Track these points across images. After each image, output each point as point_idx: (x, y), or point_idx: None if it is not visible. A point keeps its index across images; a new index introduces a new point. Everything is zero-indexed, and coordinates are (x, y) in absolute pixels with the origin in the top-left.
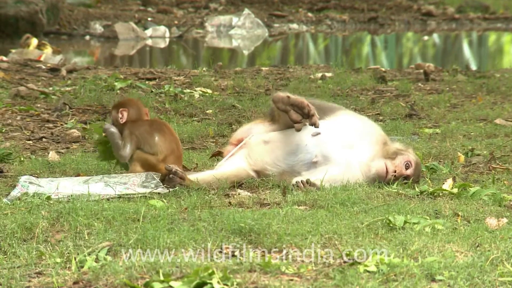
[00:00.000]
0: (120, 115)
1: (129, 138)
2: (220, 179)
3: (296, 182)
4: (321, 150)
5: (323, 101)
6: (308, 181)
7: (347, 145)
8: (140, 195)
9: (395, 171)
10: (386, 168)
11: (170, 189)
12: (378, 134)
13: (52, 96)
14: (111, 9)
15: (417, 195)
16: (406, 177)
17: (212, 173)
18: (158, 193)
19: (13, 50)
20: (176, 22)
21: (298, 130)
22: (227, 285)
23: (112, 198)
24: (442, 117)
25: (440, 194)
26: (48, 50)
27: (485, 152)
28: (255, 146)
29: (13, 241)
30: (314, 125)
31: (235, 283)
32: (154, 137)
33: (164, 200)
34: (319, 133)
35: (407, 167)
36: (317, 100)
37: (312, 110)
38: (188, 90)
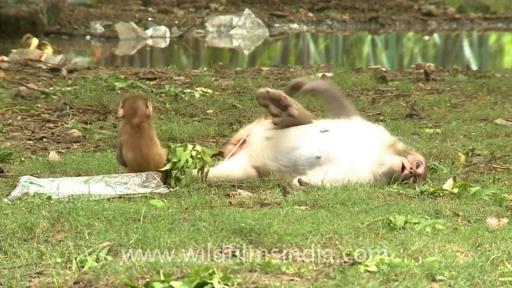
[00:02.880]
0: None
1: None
2: (220, 178)
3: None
4: (326, 146)
5: (348, 101)
6: (299, 181)
7: (353, 145)
8: (140, 195)
9: (411, 169)
10: (403, 164)
11: (171, 189)
12: (386, 137)
13: (53, 96)
14: (112, 9)
15: (418, 195)
16: (417, 176)
17: (213, 173)
18: (159, 193)
19: (14, 50)
20: (176, 22)
21: (276, 124)
22: (227, 285)
23: (112, 198)
24: (442, 117)
25: (441, 194)
26: (49, 50)
27: (485, 152)
28: (257, 142)
29: (14, 241)
30: (292, 116)
31: (235, 283)
32: (128, 151)
33: (165, 200)
34: (327, 130)
35: (417, 166)
36: (344, 98)
37: (288, 100)
38: (189, 90)
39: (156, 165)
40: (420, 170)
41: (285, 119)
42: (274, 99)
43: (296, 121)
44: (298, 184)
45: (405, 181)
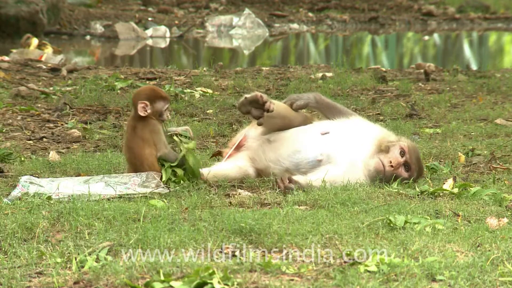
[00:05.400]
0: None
1: None
2: (220, 178)
3: (276, 178)
4: (327, 150)
5: (342, 106)
6: (289, 179)
7: (352, 146)
8: (140, 195)
9: (390, 162)
10: (382, 163)
11: (171, 189)
12: (379, 135)
13: (53, 96)
14: (112, 9)
15: (418, 195)
16: (406, 164)
17: (213, 173)
18: (159, 193)
19: (14, 50)
20: (176, 22)
21: (260, 124)
22: (227, 285)
23: (112, 198)
24: (442, 117)
25: (441, 194)
26: (49, 50)
27: (485, 152)
28: (258, 145)
29: (14, 241)
30: (268, 110)
31: (235, 283)
32: (125, 151)
33: (165, 200)
34: (327, 133)
35: (402, 155)
36: (337, 105)
37: (264, 98)
38: (189, 90)
39: (150, 165)
40: (405, 157)
41: (268, 119)
42: (253, 101)
43: (285, 121)
44: (288, 181)
45: (407, 170)
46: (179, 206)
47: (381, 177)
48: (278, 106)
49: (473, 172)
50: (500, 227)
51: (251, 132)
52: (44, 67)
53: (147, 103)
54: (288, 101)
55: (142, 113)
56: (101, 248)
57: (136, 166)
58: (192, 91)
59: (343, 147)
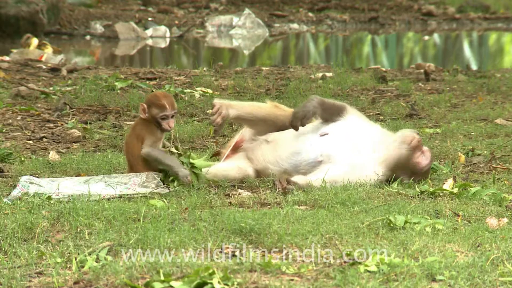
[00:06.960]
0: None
1: None
2: (220, 178)
3: (275, 180)
4: (327, 150)
5: (335, 101)
6: (288, 180)
7: (353, 147)
8: (140, 195)
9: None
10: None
11: (171, 189)
12: (381, 136)
13: (53, 96)
14: (112, 9)
15: (418, 195)
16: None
17: (213, 173)
18: (159, 193)
19: (14, 50)
20: (176, 22)
21: (215, 132)
22: (227, 285)
23: (112, 198)
24: (442, 117)
25: (441, 194)
26: (49, 50)
27: (485, 152)
28: (257, 146)
29: (14, 241)
30: (212, 123)
31: (235, 283)
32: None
33: (165, 200)
34: (327, 134)
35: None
36: (330, 100)
37: (214, 109)
38: (189, 90)
39: (145, 161)
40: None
41: (250, 123)
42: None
43: (268, 123)
44: (286, 182)
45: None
46: (179, 206)
47: (398, 166)
48: (254, 109)
49: (473, 172)
50: (500, 227)
51: (248, 132)
52: (44, 67)
53: (145, 106)
54: (296, 120)
55: (141, 115)
56: (101, 248)
57: (130, 162)
58: (192, 91)
59: (344, 148)
